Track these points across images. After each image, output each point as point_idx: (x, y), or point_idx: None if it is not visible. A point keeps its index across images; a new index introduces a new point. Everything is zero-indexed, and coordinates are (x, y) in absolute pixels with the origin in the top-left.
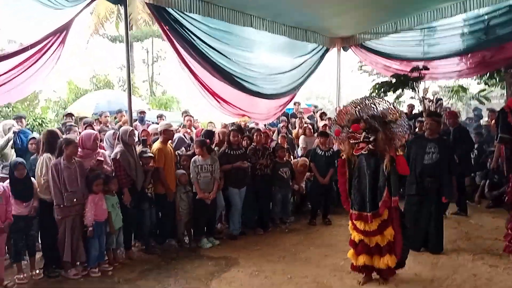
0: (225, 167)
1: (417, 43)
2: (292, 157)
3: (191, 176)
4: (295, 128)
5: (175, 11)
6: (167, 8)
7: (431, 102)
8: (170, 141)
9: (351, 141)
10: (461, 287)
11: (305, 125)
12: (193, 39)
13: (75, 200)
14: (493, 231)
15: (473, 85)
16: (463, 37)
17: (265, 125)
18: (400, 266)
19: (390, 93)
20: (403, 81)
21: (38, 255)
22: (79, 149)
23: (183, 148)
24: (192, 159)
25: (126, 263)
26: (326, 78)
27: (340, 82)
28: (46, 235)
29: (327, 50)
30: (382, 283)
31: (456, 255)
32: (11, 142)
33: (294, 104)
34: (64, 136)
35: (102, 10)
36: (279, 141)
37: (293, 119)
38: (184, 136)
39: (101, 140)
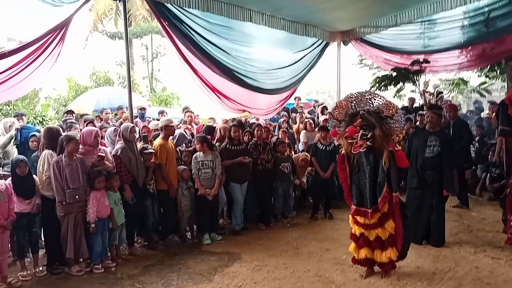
0: (226, 163)
1: (417, 36)
2: (293, 152)
3: (192, 172)
4: (295, 123)
5: (174, 7)
6: (166, 4)
7: (431, 96)
8: (171, 137)
9: (349, 141)
10: (463, 280)
11: (306, 119)
12: (192, 34)
13: (77, 197)
14: (494, 223)
15: (474, 78)
16: (463, 29)
17: (265, 120)
18: (402, 257)
19: (390, 87)
20: (403, 75)
21: (41, 252)
22: (80, 146)
23: (183, 144)
24: (194, 155)
25: (129, 259)
26: (326, 72)
27: (341, 76)
28: (49, 232)
29: (327, 44)
30: (384, 276)
31: (458, 248)
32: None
33: (295, 99)
34: (65, 133)
35: (101, 7)
36: (280, 136)
37: (294, 114)
38: (185, 132)
39: (102, 137)
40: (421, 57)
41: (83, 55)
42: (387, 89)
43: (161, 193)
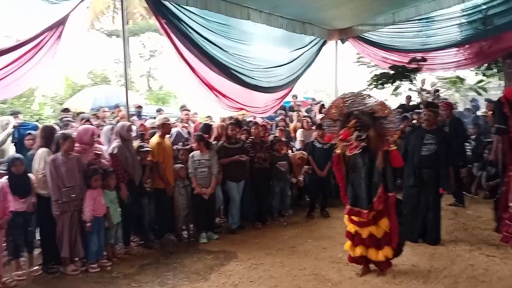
0: (223, 161)
1: (414, 34)
2: (290, 150)
3: (189, 171)
4: (292, 121)
5: (172, 4)
6: (164, 1)
7: (429, 94)
8: (168, 135)
9: (344, 144)
10: (458, 277)
11: (303, 118)
12: (190, 32)
13: (73, 195)
14: (490, 222)
15: (471, 76)
16: (461, 27)
17: (262, 118)
18: (398, 254)
19: (388, 85)
20: (401, 73)
21: (37, 251)
22: (77, 144)
23: (180, 143)
24: (190, 154)
25: (125, 258)
26: (324, 71)
27: (338, 74)
28: (44, 231)
29: (324, 43)
30: (380, 275)
31: (454, 246)
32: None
33: (292, 97)
34: (61, 132)
35: (98, 5)
36: (277, 135)
37: (291, 113)
38: (182, 130)
39: (99, 135)
40: (418, 55)
41: (80, 53)
42: (385, 87)
43: (157, 192)
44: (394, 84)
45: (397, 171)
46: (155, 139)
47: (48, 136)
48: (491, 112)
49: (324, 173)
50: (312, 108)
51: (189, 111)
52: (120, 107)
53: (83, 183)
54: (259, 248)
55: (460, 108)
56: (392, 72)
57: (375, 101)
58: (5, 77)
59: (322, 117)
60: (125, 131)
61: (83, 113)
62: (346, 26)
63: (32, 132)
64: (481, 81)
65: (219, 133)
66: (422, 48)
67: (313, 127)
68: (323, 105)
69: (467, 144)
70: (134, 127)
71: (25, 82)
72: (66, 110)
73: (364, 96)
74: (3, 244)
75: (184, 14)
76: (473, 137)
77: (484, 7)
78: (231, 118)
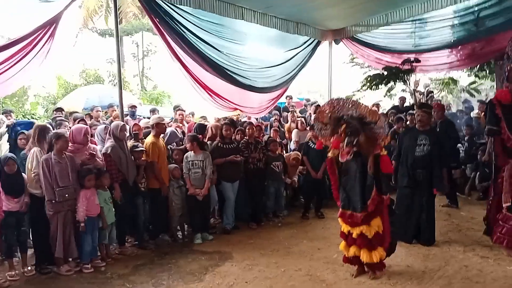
0: (218, 161)
1: (408, 36)
2: (284, 151)
3: (183, 171)
4: (287, 122)
5: (165, 3)
6: (157, 0)
7: (422, 95)
8: (162, 135)
9: (335, 151)
10: (452, 278)
11: (298, 119)
12: (183, 31)
13: (66, 195)
14: (483, 223)
15: (464, 77)
16: (453, 29)
17: (257, 119)
18: (390, 253)
19: (381, 86)
20: (394, 74)
21: (30, 251)
22: (70, 144)
23: (174, 143)
24: (185, 155)
25: (119, 259)
26: (318, 71)
27: (332, 75)
28: (37, 231)
29: (318, 43)
30: (372, 278)
31: (448, 247)
32: (6, 136)
33: (286, 97)
34: (54, 131)
35: (91, 4)
36: (272, 135)
37: (285, 113)
38: (176, 130)
39: (92, 135)
40: (412, 56)
41: (73, 52)
42: (378, 88)
43: (152, 192)
44: (387, 85)
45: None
46: (149, 139)
47: (41, 135)
48: (483, 113)
49: (320, 174)
50: (307, 109)
51: (184, 111)
52: (113, 106)
53: (77, 182)
54: (254, 249)
55: (453, 109)
56: (385, 73)
57: (364, 107)
58: None
59: (314, 121)
60: (118, 131)
61: (76, 112)
62: (340, 26)
63: (25, 131)
64: (473, 82)
65: (213, 133)
66: (415, 49)
67: (308, 128)
68: (318, 105)
69: (460, 145)
70: (127, 127)
71: (17, 81)
72: (59, 109)
73: (353, 102)
74: None
75: (178, 13)
76: (466, 138)
77: (476, 8)
78: (225, 118)
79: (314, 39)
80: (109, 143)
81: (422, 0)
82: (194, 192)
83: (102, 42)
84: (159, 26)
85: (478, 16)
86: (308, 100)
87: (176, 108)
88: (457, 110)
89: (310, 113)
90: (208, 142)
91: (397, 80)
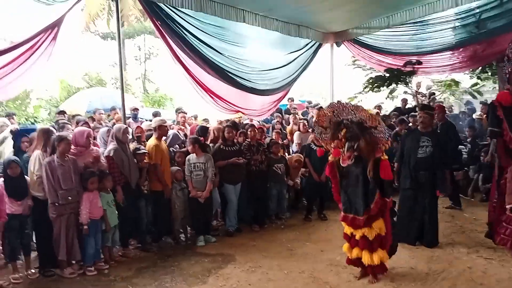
0: (220, 163)
1: (409, 38)
2: (286, 153)
3: (185, 174)
4: (289, 124)
5: (167, 6)
6: (159, 3)
7: (424, 97)
8: (164, 138)
9: (336, 158)
10: (456, 280)
11: (300, 121)
12: (185, 34)
13: (69, 198)
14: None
15: (466, 79)
16: (455, 31)
17: (259, 121)
18: (391, 254)
19: (383, 88)
20: (396, 76)
21: (33, 254)
22: (73, 147)
23: (177, 145)
24: (187, 157)
25: (122, 261)
26: (319, 74)
27: (334, 77)
28: (40, 233)
29: (320, 45)
30: (371, 282)
31: (451, 249)
32: (9, 141)
33: (288, 100)
34: (56, 134)
35: (93, 7)
36: (274, 137)
37: (287, 115)
38: (178, 132)
39: (95, 138)
40: (413, 58)
41: (75, 55)
42: (380, 90)
43: (154, 194)
44: (389, 87)
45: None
46: (152, 141)
47: (45, 139)
48: (486, 115)
49: (323, 177)
50: (309, 111)
51: (186, 113)
52: (116, 109)
53: (80, 185)
54: (257, 251)
55: (456, 111)
56: (387, 75)
57: (364, 111)
58: None
59: (313, 125)
60: (121, 134)
61: (78, 115)
62: (341, 29)
63: (28, 135)
64: (476, 84)
65: (215, 135)
66: (417, 51)
67: (310, 130)
68: (321, 107)
69: (463, 147)
70: (130, 130)
71: (19, 84)
72: (61, 112)
73: (353, 106)
74: None
75: (179, 16)
76: (469, 140)
77: (477, 10)
78: (227, 120)
79: (316, 42)
80: (111, 145)
81: (423, 3)
82: (196, 194)
83: (104, 45)
84: (161, 29)
85: (479, 18)
86: (310, 102)
87: (178, 111)
88: (460, 112)
89: (312, 115)
90: (211, 145)
91: (399, 82)
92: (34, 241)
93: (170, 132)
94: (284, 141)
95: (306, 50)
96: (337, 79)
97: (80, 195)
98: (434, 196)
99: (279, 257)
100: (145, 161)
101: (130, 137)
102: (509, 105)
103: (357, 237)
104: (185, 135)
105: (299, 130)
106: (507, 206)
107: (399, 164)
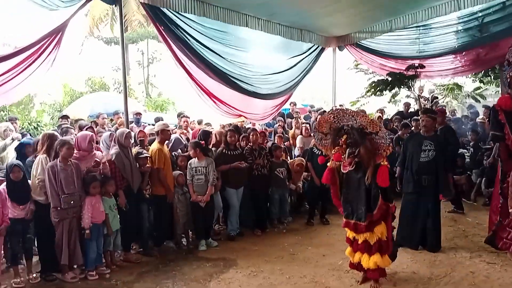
0: (222, 168)
1: (412, 42)
2: (288, 157)
3: (187, 178)
4: (291, 128)
5: (170, 11)
6: (162, 8)
7: (426, 101)
8: (166, 142)
9: (337, 163)
10: (459, 285)
11: (303, 125)
12: (188, 39)
13: (72, 202)
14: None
15: (468, 83)
16: (457, 34)
17: (261, 125)
18: (392, 258)
19: (386, 92)
20: (398, 80)
21: (35, 258)
22: (75, 151)
23: (179, 150)
24: (189, 162)
25: (124, 266)
26: (322, 78)
27: (336, 81)
28: (43, 238)
29: (322, 50)
30: (374, 287)
31: (454, 253)
32: (12, 147)
33: (290, 104)
34: (59, 138)
35: (96, 12)
36: (276, 141)
37: (289, 119)
38: (181, 137)
39: (98, 142)
40: (416, 62)
41: (79, 60)
42: (383, 94)
43: (156, 199)
44: (392, 91)
45: (394, 180)
46: (155, 146)
47: (49, 143)
48: (488, 119)
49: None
50: (311, 115)
51: (188, 118)
52: (119, 113)
53: (82, 189)
54: (258, 256)
55: (459, 115)
56: (389, 79)
57: (365, 117)
58: (3, 84)
59: (313, 131)
60: (123, 138)
61: (81, 120)
62: (343, 33)
63: (31, 143)
64: (478, 88)
65: (217, 140)
66: (420, 55)
67: (312, 134)
68: (324, 111)
69: (465, 151)
70: (133, 134)
71: (23, 89)
72: (64, 117)
73: (353, 112)
74: (1, 251)
75: (182, 21)
76: (471, 143)
77: (480, 14)
78: (230, 125)
79: (318, 46)
80: (113, 150)
81: (425, 7)
82: (197, 199)
83: (107, 50)
84: (164, 33)
85: (482, 22)
86: (312, 107)
87: (181, 115)
88: (462, 116)
89: (315, 119)
90: (213, 149)
91: (402, 86)
92: (36, 245)
93: (172, 137)
94: (286, 143)
95: (309, 54)
96: (340, 83)
97: (82, 200)
98: (437, 200)
99: (281, 262)
100: (147, 165)
101: (133, 141)
102: (510, 110)
103: (360, 241)
104: (188, 139)
105: (301, 134)
106: (510, 210)
107: (402, 168)
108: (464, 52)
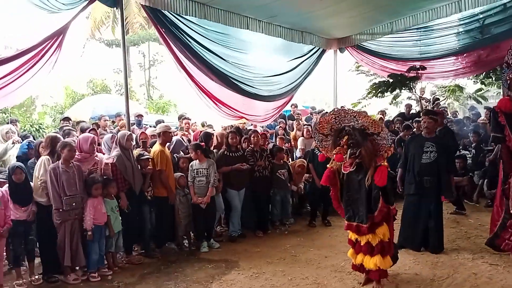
0: (224, 169)
1: (413, 43)
2: (290, 158)
3: (188, 180)
4: (292, 130)
5: (171, 14)
6: (163, 11)
7: (428, 102)
8: (167, 144)
9: (338, 163)
10: (461, 286)
11: (304, 127)
12: (189, 41)
13: (74, 204)
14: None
15: (470, 84)
16: (458, 36)
17: (262, 127)
18: (394, 261)
19: (387, 94)
20: (400, 81)
21: (37, 260)
22: (77, 153)
23: (181, 151)
24: (190, 164)
25: (126, 267)
26: (323, 79)
27: (337, 83)
28: (45, 239)
29: (323, 52)
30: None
31: (456, 254)
32: (15, 149)
33: (291, 106)
34: (61, 140)
35: (98, 15)
36: (278, 143)
37: (291, 121)
38: (182, 139)
39: (99, 144)
40: (417, 64)
41: (80, 62)
42: (384, 96)
43: (158, 200)
44: (393, 92)
45: (395, 183)
46: (157, 147)
47: (53, 145)
48: (488, 121)
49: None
50: (312, 117)
51: (190, 120)
52: (121, 115)
53: (84, 191)
54: (260, 257)
55: (460, 116)
56: (391, 80)
57: (366, 118)
58: (5, 86)
59: (314, 132)
60: (125, 140)
61: (83, 122)
62: (344, 35)
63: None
64: (480, 89)
65: (219, 141)
66: (421, 57)
67: (313, 135)
68: (326, 113)
69: (467, 152)
70: (134, 136)
71: (24, 91)
72: (66, 119)
73: (354, 112)
74: (3, 253)
75: (183, 23)
76: (473, 145)
77: (481, 16)
78: (231, 126)
79: (319, 48)
80: (115, 152)
81: (426, 8)
82: (197, 200)
83: (109, 52)
84: (165, 36)
85: (483, 24)
86: (313, 108)
87: (182, 117)
88: (464, 117)
89: (316, 121)
90: (214, 151)
91: (403, 88)
92: (38, 247)
93: (174, 139)
94: (287, 144)
95: (310, 56)
96: (341, 85)
97: (84, 201)
98: (439, 202)
99: (282, 263)
100: (149, 167)
101: (134, 143)
102: (509, 112)
103: (362, 243)
104: (189, 141)
105: (302, 135)
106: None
107: (403, 169)
108: (465, 54)
